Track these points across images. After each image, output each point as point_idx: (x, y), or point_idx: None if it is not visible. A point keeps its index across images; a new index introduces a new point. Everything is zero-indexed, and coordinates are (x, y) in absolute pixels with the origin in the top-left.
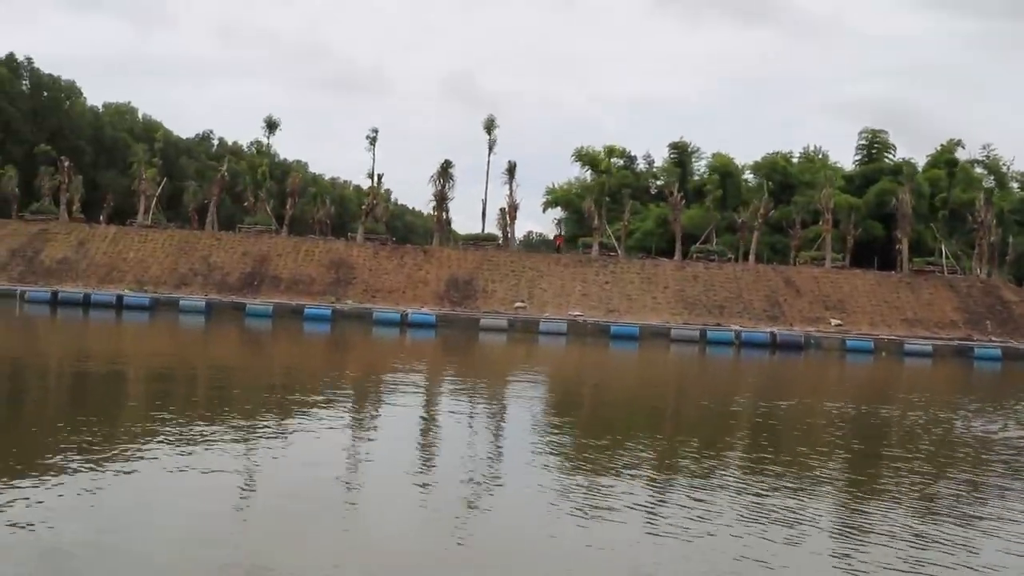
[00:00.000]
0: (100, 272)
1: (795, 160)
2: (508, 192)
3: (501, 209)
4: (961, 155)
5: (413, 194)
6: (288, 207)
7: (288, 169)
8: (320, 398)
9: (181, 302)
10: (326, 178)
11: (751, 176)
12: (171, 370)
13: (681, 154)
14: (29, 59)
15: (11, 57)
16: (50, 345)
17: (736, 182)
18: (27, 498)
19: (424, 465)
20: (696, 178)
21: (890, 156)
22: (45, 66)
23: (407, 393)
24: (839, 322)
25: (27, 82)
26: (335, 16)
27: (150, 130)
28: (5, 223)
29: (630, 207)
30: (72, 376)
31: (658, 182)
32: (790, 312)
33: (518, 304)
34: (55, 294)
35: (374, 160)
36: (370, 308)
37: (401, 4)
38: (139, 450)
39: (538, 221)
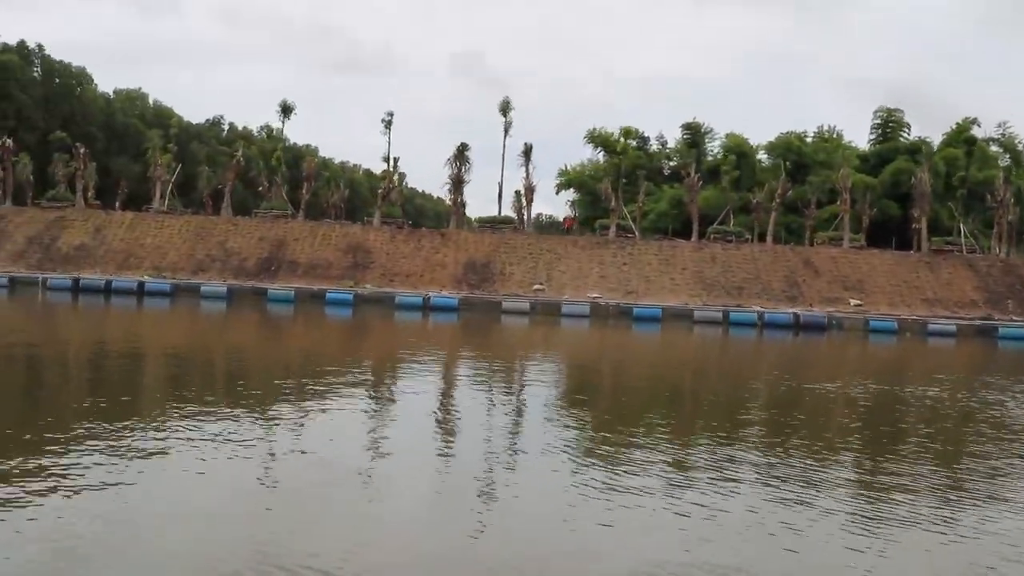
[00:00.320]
0: (118, 259)
1: (809, 140)
2: (524, 175)
3: (517, 191)
4: (977, 133)
5: (423, 177)
6: (304, 191)
7: (300, 154)
8: (363, 376)
9: (202, 288)
10: (336, 162)
11: (765, 156)
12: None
13: (694, 135)
14: (40, 46)
15: (22, 44)
16: (79, 333)
17: (751, 162)
18: (52, 480)
19: (445, 450)
20: (710, 159)
21: (905, 135)
22: (55, 53)
23: (433, 374)
24: (859, 302)
25: (38, 69)
26: None
27: (161, 116)
28: (21, 210)
29: (644, 188)
30: (99, 362)
31: (671, 163)
32: (809, 293)
33: (536, 286)
34: (76, 281)
35: (389, 144)
36: (391, 292)
37: None
38: (166, 434)
39: (549, 203)
